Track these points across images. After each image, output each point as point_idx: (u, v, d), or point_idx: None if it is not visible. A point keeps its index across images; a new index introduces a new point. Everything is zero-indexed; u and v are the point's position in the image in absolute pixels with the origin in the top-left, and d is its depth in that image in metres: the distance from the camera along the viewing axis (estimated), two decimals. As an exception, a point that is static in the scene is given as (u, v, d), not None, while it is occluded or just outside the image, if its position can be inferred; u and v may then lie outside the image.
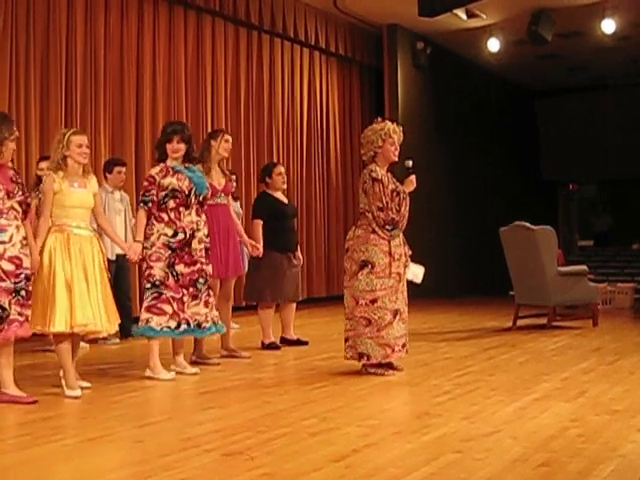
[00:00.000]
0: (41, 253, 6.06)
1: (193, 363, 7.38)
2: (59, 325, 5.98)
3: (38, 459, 4.48)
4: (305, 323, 9.43)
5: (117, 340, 8.91)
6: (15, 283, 5.71)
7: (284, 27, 13.92)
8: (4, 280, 5.66)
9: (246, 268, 8.93)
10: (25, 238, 5.83)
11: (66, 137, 6.25)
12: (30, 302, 5.84)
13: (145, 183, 6.96)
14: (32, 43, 10.12)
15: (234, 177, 9.64)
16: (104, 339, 8.66)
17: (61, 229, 6.15)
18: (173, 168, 6.93)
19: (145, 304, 6.83)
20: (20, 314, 5.73)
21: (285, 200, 8.84)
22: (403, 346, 6.94)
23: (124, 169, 9.42)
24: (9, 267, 5.68)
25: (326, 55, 15.41)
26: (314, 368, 7.39)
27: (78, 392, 6.07)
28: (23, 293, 5.75)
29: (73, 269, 6.08)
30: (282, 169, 8.81)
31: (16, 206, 5.80)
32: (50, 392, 6.14)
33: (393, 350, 6.84)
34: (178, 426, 5.22)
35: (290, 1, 13.99)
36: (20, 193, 5.83)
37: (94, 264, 6.22)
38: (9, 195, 5.76)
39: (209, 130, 12.27)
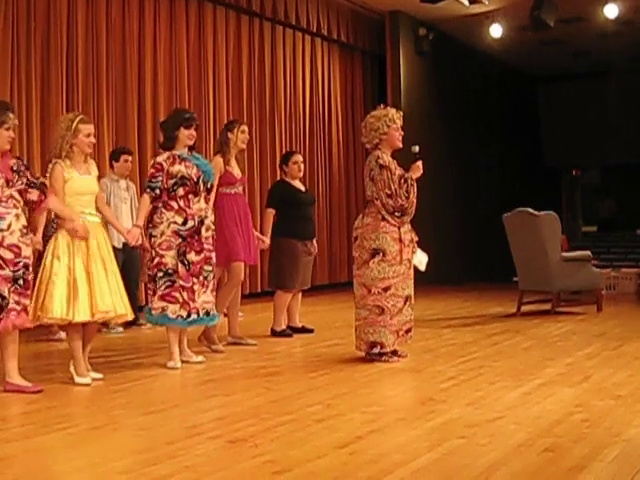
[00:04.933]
0: (57, 242, 6.09)
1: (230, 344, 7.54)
2: (83, 314, 6.01)
3: (43, 448, 4.50)
4: (308, 311, 9.41)
5: (121, 329, 8.93)
6: (14, 272, 5.70)
7: (285, 14, 13.88)
8: (3, 268, 5.65)
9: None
10: (25, 227, 5.81)
11: (74, 124, 6.22)
12: (29, 292, 5.84)
13: (152, 170, 6.91)
14: (33, 32, 10.09)
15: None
16: (107, 327, 8.71)
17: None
18: (180, 156, 6.89)
19: (159, 293, 6.78)
20: (18, 303, 5.73)
21: (302, 188, 8.86)
22: (407, 331, 6.94)
23: (131, 157, 9.44)
24: (8, 255, 5.68)
25: (328, 42, 15.36)
26: (318, 355, 7.39)
27: (88, 379, 6.10)
28: (21, 282, 5.74)
29: (90, 257, 6.10)
30: (299, 158, 8.83)
31: (15, 195, 5.79)
32: (55, 381, 6.14)
33: (398, 335, 6.85)
34: (183, 414, 5.24)
35: (291, -12, 13.96)
36: (20, 182, 5.82)
37: (107, 250, 6.27)
38: (8, 183, 5.74)
39: (211, 118, 12.31)
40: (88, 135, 6.28)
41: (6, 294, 5.66)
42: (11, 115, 5.80)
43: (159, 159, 6.91)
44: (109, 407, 5.46)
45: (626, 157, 20.15)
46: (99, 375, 6.29)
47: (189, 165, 6.89)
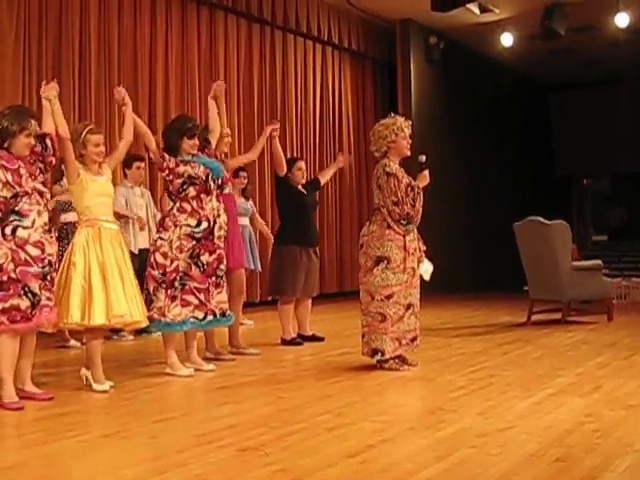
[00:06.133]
0: (73, 247, 6.12)
1: (206, 359, 7.36)
2: (99, 318, 6.02)
3: (52, 455, 4.50)
4: (317, 319, 9.41)
5: (131, 337, 8.94)
6: (42, 268, 5.68)
7: (297, 23, 13.94)
8: (32, 265, 5.62)
9: (257, 264, 9.17)
10: (47, 223, 5.79)
11: (83, 136, 6.26)
12: (54, 289, 5.83)
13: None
14: (45, 41, 10.17)
15: (245, 174, 9.66)
16: (117, 334, 8.73)
17: (92, 223, 6.19)
18: (182, 160, 6.87)
19: (174, 297, 6.74)
20: (49, 299, 5.73)
21: (305, 191, 8.81)
22: (412, 340, 6.93)
23: (143, 164, 9.47)
24: (35, 252, 5.65)
25: (339, 51, 15.41)
26: (328, 363, 7.39)
27: (106, 386, 6.12)
28: (49, 278, 5.74)
29: (106, 262, 6.12)
30: (303, 165, 8.81)
31: (40, 187, 5.76)
32: (65, 388, 6.14)
33: (400, 343, 6.84)
34: (193, 422, 5.24)
35: (303, -3, 14.00)
36: (41, 175, 5.80)
37: (124, 257, 6.28)
38: (31, 176, 5.73)
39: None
40: (97, 145, 6.30)
41: (37, 291, 5.64)
42: (32, 121, 5.77)
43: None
44: (119, 414, 5.46)
45: (637, 165, 20.09)
46: (110, 383, 6.27)
47: (194, 165, 6.87)
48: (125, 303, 6.15)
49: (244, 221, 9.46)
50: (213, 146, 7.27)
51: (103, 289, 6.07)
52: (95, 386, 6.13)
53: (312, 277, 8.72)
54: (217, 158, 7.32)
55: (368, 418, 5.15)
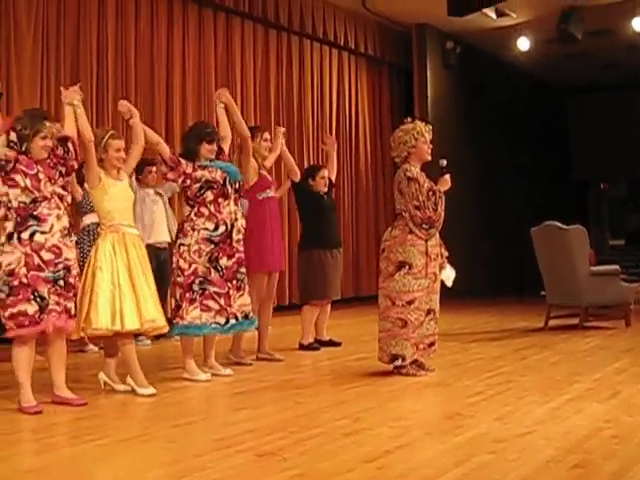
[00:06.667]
0: (98, 253, 6.14)
1: (227, 363, 7.43)
2: (131, 324, 6.07)
3: (72, 459, 4.52)
4: (334, 324, 9.40)
5: (149, 341, 8.95)
6: (54, 272, 5.68)
7: (313, 28, 13.97)
8: (42, 270, 5.63)
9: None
10: (66, 227, 5.79)
11: (104, 140, 6.30)
12: (71, 294, 5.80)
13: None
14: (63, 46, 10.24)
15: None
16: (136, 339, 8.73)
17: (116, 229, 6.23)
18: (200, 165, 6.89)
19: (193, 302, 6.76)
20: (58, 304, 5.70)
21: (323, 194, 8.79)
22: (430, 345, 6.92)
23: (154, 168, 9.48)
24: (48, 257, 5.66)
25: (355, 56, 15.43)
26: (346, 369, 7.39)
27: (151, 390, 6.15)
28: (62, 283, 5.71)
29: (132, 268, 6.16)
30: (326, 173, 8.79)
31: (59, 191, 5.78)
32: (84, 393, 6.10)
33: (417, 348, 6.84)
34: (211, 426, 5.26)
35: (319, 2, 14.03)
36: (61, 179, 5.82)
37: (146, 263, 6.33)
38: (51, 180, 5.75)
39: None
40: (118, 150, 6.34)
41: (45, 295, 5.64)
42: (47, 123, 5.76)
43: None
44: (138, 419, 5.49)
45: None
46: (127, 387, 6.31)
47: (211, 170, 6.90)
48: (153, 308, 6.20)
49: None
50: (226, 152, 7.28)
51: (133, 294, 6.10)
52: (139, 390, 6.16)
53: (336, 280, 8.73)
54: (233, 163, 7.36)
55: (385, 423, 5.15)
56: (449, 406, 5.90)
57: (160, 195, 9.41)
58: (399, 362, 6.83)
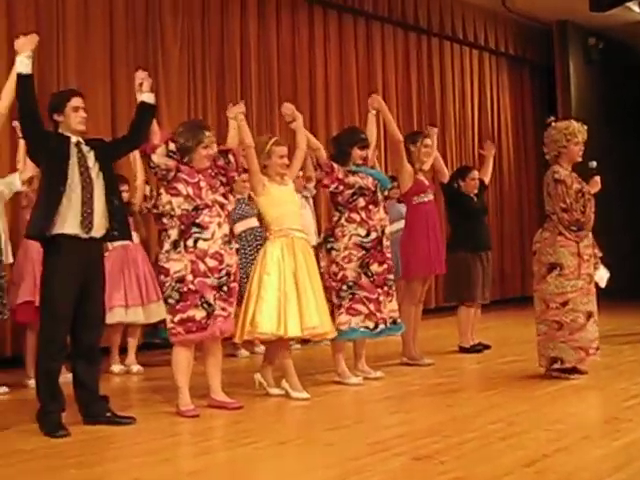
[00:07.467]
0: (266, 258, 6.27)
1: (404, 365, 7.61)
2: (293, 330, 6.17)
3: (231, 462, 4.62)
4: (481, 327, 9.23)
5: (298, 345, 9.05)
6: (218, 279, 5.81)
7: (453, 29, 13.93)
8: (208, 276, 5.76)
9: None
10: (226, 235, 5.91)
11: (268, 147, 6.43)
12: (232, 299, 5.92)
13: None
14: (208, 56, 10.50)
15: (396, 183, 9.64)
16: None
17: (285, 233, 6.34)
18: (350, 170, 6.97)
19: (344, 307, 6.81)
20: (224, 309, 5.83)
21: (473, 196, 8.77)
22: (597, 349, 6.81)
23: (301, 173, 9.60)
24: (212, 263, 5.78)
25: (495, 56, 15.30)
26: (496, 372, 7.34)
27: (305, 394, 6.24)
28: (225, 289, 5.84)
29: (299, 273, 6.26)
30: (476, 174, 8.76)
31: (220, 199, 5.91)
32: (238, 397, 6.19)
33: (587, 353, 6.72)
34: (366, 430, 5.29)
35: (458, 3, 13.98)
36: (222, 187, 5.96)
37: (314, 268, 6.43)
38: (212, 189, 5.88)
39: (382, 135, 12.41)
40: (282, 157, 6.45)
41: (212, 301, 5.77)
42: (207, 133, 5.91)
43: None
44: (293, 422, 5.58)
45: None
46: (281, 391, 6.40)
47: (363, 176, 6.96)
48: (316, 314, 6.26)
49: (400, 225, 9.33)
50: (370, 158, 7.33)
51: (297, 300, 6.19)
52: (293, 394, 6.25)
53: (485, 282, 8.68)
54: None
55: (541, 427, 5.10)
56: (605, 410, 5.82)
57: (307, 199, 9.53)
58: (558, 365, 6.75)
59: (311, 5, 11.90)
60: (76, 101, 5.51)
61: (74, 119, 5.47)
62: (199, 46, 10.43)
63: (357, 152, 6.98)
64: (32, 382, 6.42)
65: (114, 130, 9.08)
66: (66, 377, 5.84)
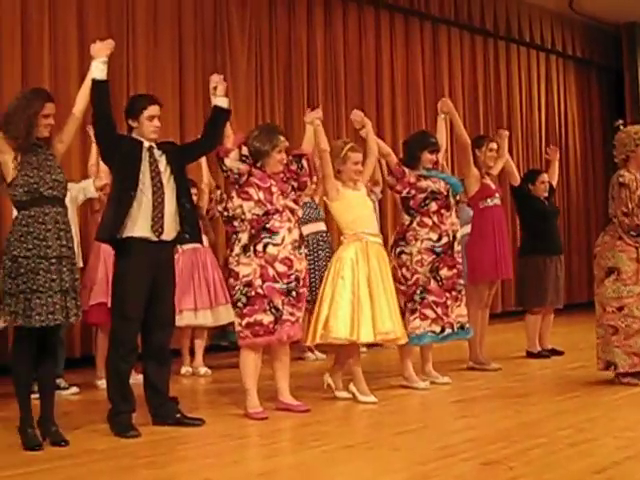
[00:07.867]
0: (341, 262, 6.28)
1: (470, 369, 7.64)
2: (366, 335, 6.18)
3: (301, 464, 4.64)
4: (552, 331, 9.20)
5: (365, 349, 9.03)
6: (287, 284, 5.83)
7: (519, 32, 13.87)
8: (277, 281, 5.79)
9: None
10: (296, 240, 5.92)
11: (344, 152, 6.43)
12: (300, 304, 5.95)
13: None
14: (275, 61, 10.61)
15: None
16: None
17: (359, 237, 6.35)
18: (421, 175, 6.97)
19: (414, 311, 6.83)
20: (292, 314, 5.86)
21: (544, 199, 8.71)
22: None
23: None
24: (282, 269, 5.81)
25: (562, 58, 15.18)
26: (565, 377, 7.30)
27: (372, 398, 6.25)
28: (294, 294, 5.86)
29: (372, 278, 6.25)
30: (546, 177, 8.70)
31: (290, 204, 5.93)
32: (305, 400, 6.21)
33: (644, 358, 6.66)
34: (433, 434, 5.29)
35: (524, 5, 13.91)
36: (293, 193, 5.99)
37: (387, 273, 6.42)
38: (283, 194, 5.92)
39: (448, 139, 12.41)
40: (356, 163, 6.44)
41: (280, 306, 5.80)
42: (281, 137, 5.94)
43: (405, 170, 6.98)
44: (361, 426, 5.60)
45: None
46: (349, 395, 6.39)
47: (435, 180, 6.96)
48: (389, 320, 6.25)
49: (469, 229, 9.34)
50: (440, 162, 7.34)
51: (370, 305, 6.18)
52: (361, 397, 6.26)
53: (558, 288, 8.61)
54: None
55: (611, 434, 5.06)
56: (676, 417, 5.73)
57: (373, 202, 9.52)
58: (612, 369, 6.70)
59: (377, 9, 11.94)
60: (153, 109, 5.56)
61: (147, 127, 5.53)
62: (266, 52, 10.53)
63: (427, 156, 6.97)
64: (102, 383, 6.55)
65: (182, 136, 9.15)
66: (136, 379, 5.94)
